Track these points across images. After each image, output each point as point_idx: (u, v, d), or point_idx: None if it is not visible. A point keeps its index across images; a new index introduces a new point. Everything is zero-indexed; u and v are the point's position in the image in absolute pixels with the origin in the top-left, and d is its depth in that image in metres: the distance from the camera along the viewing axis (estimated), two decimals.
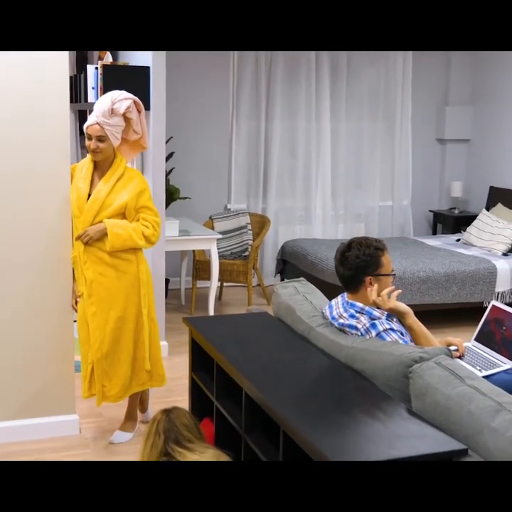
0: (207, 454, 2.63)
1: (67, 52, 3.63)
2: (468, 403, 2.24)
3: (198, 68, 6.78)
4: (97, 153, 3.57)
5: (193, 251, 6.19)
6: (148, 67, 4.89)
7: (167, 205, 6.37)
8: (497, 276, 5.84)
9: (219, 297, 6.65)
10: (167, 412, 2.79)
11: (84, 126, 3.58)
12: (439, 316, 6.05)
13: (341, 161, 7.33)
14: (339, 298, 3.16)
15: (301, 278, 3.72)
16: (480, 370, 3.12)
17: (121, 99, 3.63)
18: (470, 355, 3.29)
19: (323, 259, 5.90)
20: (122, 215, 3.59)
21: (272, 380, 2.65)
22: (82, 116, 6.59)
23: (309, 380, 2.66)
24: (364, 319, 2.97)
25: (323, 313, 3.22)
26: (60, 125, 3.64)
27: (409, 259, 5.87)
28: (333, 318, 3.09)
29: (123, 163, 3.65)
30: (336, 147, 7.29)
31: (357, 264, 2.98)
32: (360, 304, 3.01)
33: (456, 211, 7.46)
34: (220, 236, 5.77)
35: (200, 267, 6.12)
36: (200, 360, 3.34)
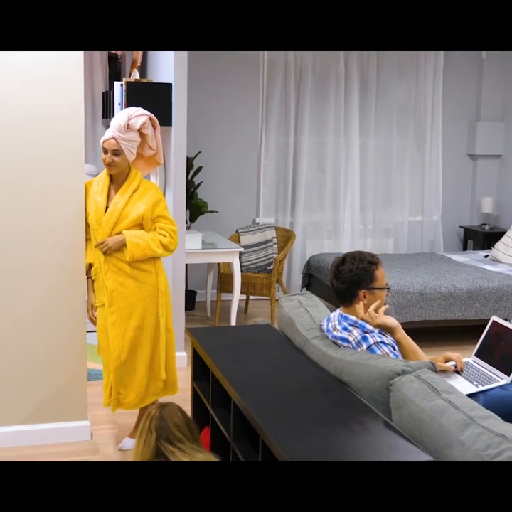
0: (196, 457, 2.75)
1: (82, 67, 3.75)
2: (440, 416, 2.26)
3: (227, 83, 6.90)
4: (113, 166, 3.69)
5: (218, 264, 6.29)
6: (170, 84, 5.02)
7: (195, 218, 6.50)
8: None
9: (245, 310, 6.73)
10: (160, 409, 2.90)
11: (101, 140, 3.71)
12: (461, 332, 6.01)
13: (370, 175, 7.36)
14: (337, 311, 3.20)
15: (307, 291, 3.78)
16: (477, 386, 3.12)
17: (138, 115, 3.75)
18: (468, 370, 3.29)
19: None
20: (140, 225, 3.71)
21: (259, 391, 2.70)
22: None
23: (295, 392, 2.71)
24: (356, 332, 3.01)
25: (320, 325, 3.26)
26: (75, 139, 3.78)
27: (432, 275, 5.86)
28: (328, 330, 3.14)
29: (138, 175, 3.77)
30: (364, 162, 7.32)
31: (351, 278, 3.03)
32: (353, 318, 3.05)
33: (487, 227, 7.41)
34: (242, 249, 5.85)
35: (224, 280, 6.21)
36: (201, 370, 3.42)
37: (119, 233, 3.67)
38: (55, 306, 3.84)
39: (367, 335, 2.97)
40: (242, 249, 5.82)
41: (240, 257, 6.30)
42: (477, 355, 3.42)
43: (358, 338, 2.98)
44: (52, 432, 3.92)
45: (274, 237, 6.61)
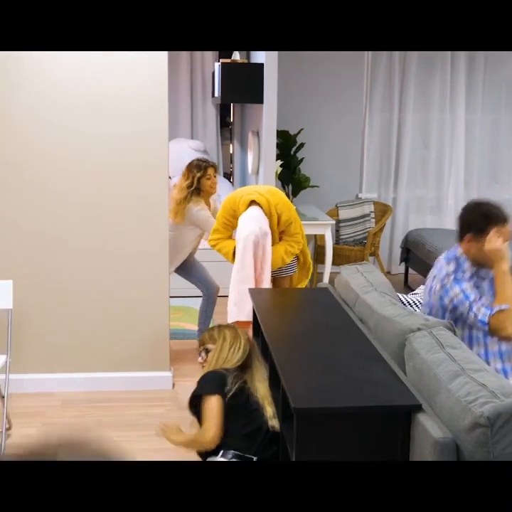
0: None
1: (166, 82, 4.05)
2: (436, 367, 2.45)
3: (332, 61, 7.08)
4: None
5: (315, 236, 6.55)
6: (262, 64, 5.31)
7: (297, 193, 6.78)
8: None
9: None
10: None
11: None
12: None
13: (476, 152, 7.32)
14: None
15: (366, 262, 3.99)
16: None
17: None
18: None
19: (438, 248, 5.99)
20: None
21: (291, 344, 2.98)
22: (222, 109, 7.19)
23: (323, 347, 2.95)
24: (452, 266, 3.19)
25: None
26: (159, 150, 4.12)
27: None
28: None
29: None
30: (470, 138, 7.30)
31: (463, 221, 3.23)
32: (460, 251, 3.23)
33: None
34: (333, 222, 6.08)
35: (320, 252, 6.47)
36: (258, 327, 3.73)
37: None
38: (143, 272, 4.26)
39: (459, 274, 3.14)
40: (333, 222, 6.05)
41: (338, 230, 6.53)
42: None
43: (450, 269, 3.16)
44: (139, 380, 4.37)
45: (372, 212, 6.78)
